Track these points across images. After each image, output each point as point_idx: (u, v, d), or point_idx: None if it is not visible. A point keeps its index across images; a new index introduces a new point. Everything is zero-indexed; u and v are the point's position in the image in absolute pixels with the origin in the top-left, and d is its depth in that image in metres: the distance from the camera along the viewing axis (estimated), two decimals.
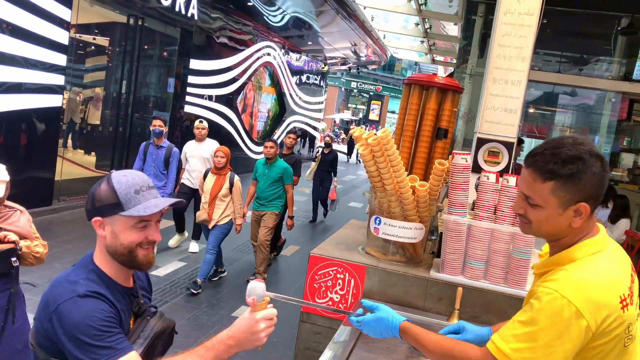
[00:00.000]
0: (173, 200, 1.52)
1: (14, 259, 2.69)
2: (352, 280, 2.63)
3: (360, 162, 19.62)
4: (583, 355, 1.33)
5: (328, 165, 9.62)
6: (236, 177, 5.73)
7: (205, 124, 6.85)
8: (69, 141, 8.93)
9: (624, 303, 1.32)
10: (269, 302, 1.51)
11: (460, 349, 1.45)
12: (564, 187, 1.35)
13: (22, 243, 2.77)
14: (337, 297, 2.66)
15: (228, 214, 5.68)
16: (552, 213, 1.38)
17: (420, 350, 1.58)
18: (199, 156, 6.76)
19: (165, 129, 6.39)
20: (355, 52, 18.23)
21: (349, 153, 23.83)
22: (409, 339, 1.62)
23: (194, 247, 7.00)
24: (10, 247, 2.68)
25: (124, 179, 1.47)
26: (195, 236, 7.02)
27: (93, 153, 10.12)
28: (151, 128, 6.31)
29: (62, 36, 7.51)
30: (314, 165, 9.72)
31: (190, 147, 6.84)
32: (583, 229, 1.41)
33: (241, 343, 1.43)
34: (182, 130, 11.28)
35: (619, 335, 1.32)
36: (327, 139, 9.86)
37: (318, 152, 9.74)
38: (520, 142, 7.04)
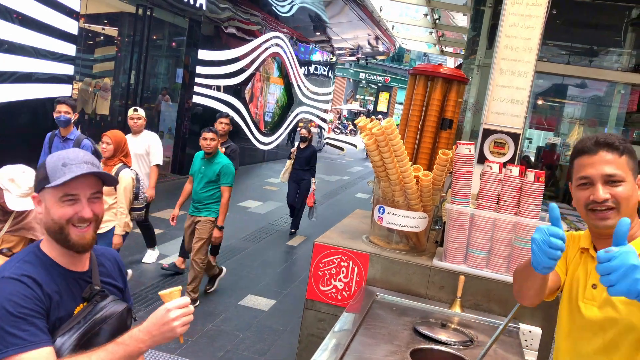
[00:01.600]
0: (95, 169, 1.43)
1: None
2: (356, 268, 2.67)
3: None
4: None
5: (304, 163, 7.80)
6: (127, 172, 4.17)
7: (140, 112, 5.57)
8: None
9: None
10: (180, 290, 1.44)
11: None
12: (632, 160, 1.51)
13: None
14: (340, 285, 2.70)
15: (109, 218, 4.05)
16: (632, 186, 1.49)
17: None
18: (130, 153, 5.23)
19: (73, 116, 5.08)
20: (368, 43, 18.14)
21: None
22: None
23: (149, 256, 5.89)
24: None
25: (56, 156, 1.44)
26: (150, 244, 5.91)
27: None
28: (55, 115, 4.93)
29: (71, 26, 7.56)
30: (288, 163, 7.94)
31: None
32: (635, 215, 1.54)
33: (154, 336, 1.37)
34: (190, 121, 11.33)
35: None
36: (304, 131, 7.82)
37: (294, 147, 7.99)
38: None
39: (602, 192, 1.47)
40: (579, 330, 1.58)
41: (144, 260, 5.82)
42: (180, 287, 1.45)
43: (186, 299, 1.41)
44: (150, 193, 5.42)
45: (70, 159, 1.42)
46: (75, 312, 1.45)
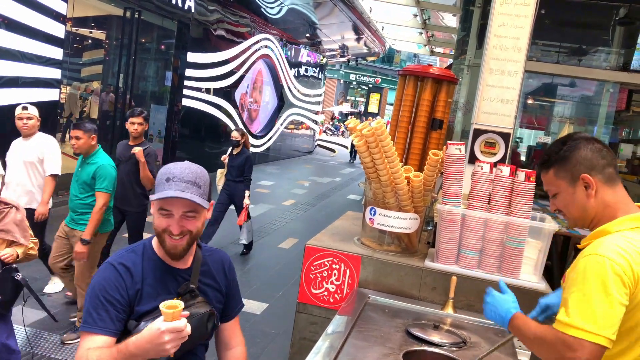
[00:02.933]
0: (189, 193, 1.50)
1: (17, 275, 2.70)
2: (348, 271, 2.65)
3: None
4: (621, 328, 1.41)
5: (237, 173, 6.43)
6: None
7: (32, 111, 4.47)
8: (67, 136, 8.93)
9: None
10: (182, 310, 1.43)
11: (553, 333, 1.47)
12: (562, 168, 1.58)
13: (18, 250, 2.77)
14: (332, 288, 2.67)
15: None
16: (567, 193, 1.58)
17: (522, 341, 1.63)
18: (19, 160, 4.45)
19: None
20: (356, 40, 18.14)
21: (352, 154, 20.34)
22: (513, 329, 1.66)
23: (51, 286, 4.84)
24: (10, 259, 2.69)
25: (165, 168, 1.56)
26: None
27: None
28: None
29: (58, 29, 7.49)
30: (220, 173, 6.70)
31: (12, 146, 4.59)
32: (612, 207, 1.54)
33: (145, 353, 1.42)
34: (181, 123, 11.27)
35: None
36: (235, 134, 6.49)
37: (225, 154, 6.64)
38: None
39: (551, 205, 1.68)
40: None
41: (46, 290, 4.75)
42: (182, 304, 1.43)
43: (182, 323, 1.40)
44: (42, 210, 4.38)
45: (174, 175, 1.53)
46: None
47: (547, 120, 11.35)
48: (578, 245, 1.64)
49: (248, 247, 6.85)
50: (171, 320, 1.39)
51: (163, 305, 1.40)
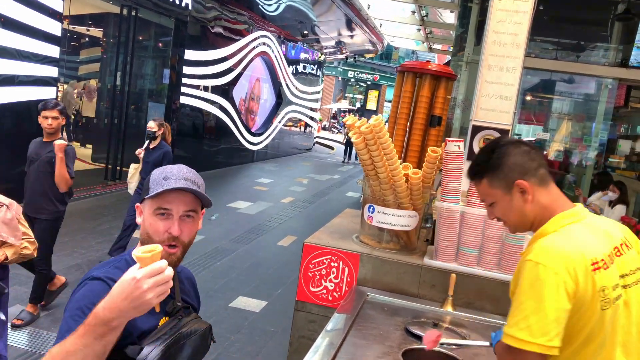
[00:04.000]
0: (194, 187, 1.41)
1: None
2: (346, 269, 2.63)
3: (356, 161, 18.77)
4: (571, 329, 1.40)
5: (152, 169, 4.82)
6: None
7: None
8: (64, 134, 8.90)
9: (596, 266, 1.40)
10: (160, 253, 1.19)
11: (500, 346, 1.47)
12: (493, 176, 1.54)
13: (8, 252, 2.74)
14: (331, 286, 2.66)
15: None
16: (503, 201, 1.55)
17: None
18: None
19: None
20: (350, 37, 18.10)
21: (347, 153, 19.45)
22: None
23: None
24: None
25: (161, 169, 1.48)
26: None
27: (89, 146, 10.10)
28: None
29: (54, 27, 7.45)
30: (134, 169, 5.78)
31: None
32: (549, 207, 1.52)
33: (123, 313, 1.15)
34: (179, 122, 11.24)
35: (594, 295, 1.39)
36: (152, 124, 5.58)
37: (141, 148, 5.70)
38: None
39: (489, 214, 1.64)
40: None
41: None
42: (160, 247, 1.20)
43: (162, 263, 1.16)
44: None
45: (172, 173, 1.44)
46: (159, 325, 1.43)
47: (546, 117, 11.34)
48: (520, 253, 1.65)
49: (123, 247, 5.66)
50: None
51: (137, 251, 1.18)
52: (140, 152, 5.61)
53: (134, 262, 1.34)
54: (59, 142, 4.03)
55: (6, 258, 2.72)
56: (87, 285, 1.36)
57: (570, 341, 1.42)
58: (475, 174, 1.59)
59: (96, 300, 1.23)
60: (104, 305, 1.16)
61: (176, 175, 1.44)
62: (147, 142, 5.61)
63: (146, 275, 1.14)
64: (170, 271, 1.17)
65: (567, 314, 1.37)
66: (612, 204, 6.40)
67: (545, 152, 10.46)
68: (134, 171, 5.75)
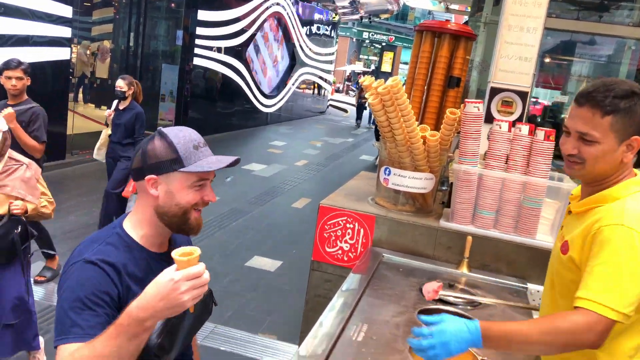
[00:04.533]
0: (233, 158, 1.39)
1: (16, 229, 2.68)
2: (362, 230, 2.65)
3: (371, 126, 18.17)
4: None
5: (124, 134, 5.08)
6: None
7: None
8: (80, 95, 8.91)
9: None
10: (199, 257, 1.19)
11: (564, 320, 1.36)
12: (622, 121, 1.40)
13: (29, 206, 2.79)
14: (346, 247, 2.68)
15: None
16: (609, 149, 1.42)
17: (516, 348, 1.42)
18: None
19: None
20: None
21: (359, 116, 18.54)
22: (494, 341, 1.38)
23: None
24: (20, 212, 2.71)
25: (180, 134, 1.35)
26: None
27: (103, 107, 10.10)
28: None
29: None
30: (104, 134, 5.27)
31: None
32: (625, 169, 1.47)
33: (157, 313, 1.15)
34: (192, 84, 11.19)
35: None
36: (120, 83, 5.05)
37: (110, 109, 5.20)
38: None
39: (571, 147, 1.47)
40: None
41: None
42: (198, 250, 1.18)
43: (200, 267, 1.16)
44: None
45: (196, 141, 1.35)
46: None
47: (564, 80, 11.11)
48: (572, 209, 1.57)
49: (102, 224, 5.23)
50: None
51: (176, 253, 1.15)
52: (110, 114, 5.11)
53: (127, 237, 1.36)
54: (6, 112, 3.57)
55: (26, 211, 2.77)
56: (81, 271, 1.27)
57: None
58: (605, 106, 1.40)
59: (95, 290, 1.24)
60: (138, 305, 1.15)
61: (201, 141, 1.38)
62: (115, 102, 5.13)
63: (184, 278, 1.13)
64: (207, 275, 1.17)
65: None
66: None
67: (563, 116, 10.28)
68: (103, 137, 5.23)
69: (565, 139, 1.50)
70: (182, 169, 1.32)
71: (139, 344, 1.18)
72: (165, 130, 1.37)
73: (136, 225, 1.39)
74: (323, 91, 21.17)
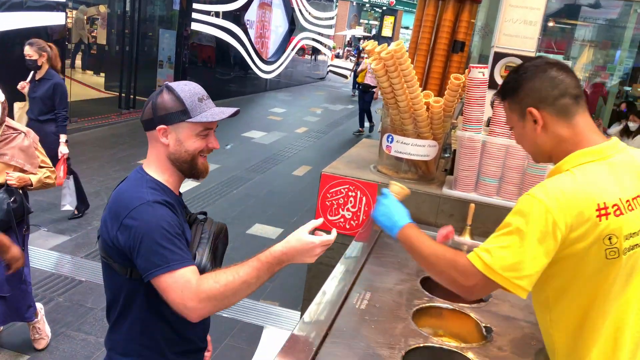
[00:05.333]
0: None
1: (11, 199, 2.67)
2: (364, 198, 2.64)
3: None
4: (561, 264, 1.32)
5: (41, 107, 4.37)
6: None
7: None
8: (77, 62, 8.79)
9: (602, 212, 1.29)
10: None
11: (455, 253, 1.42)
12: (513, 99, 1.44)
13: (33, 178, 2.76)
14: (348, 215, 2.68)
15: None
16: (518, 127, 1.46)
17: (411, 253, 1.57)
18: None
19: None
20: None
21: (355, 86, 16.38)
22: (404, 238, 1.59)
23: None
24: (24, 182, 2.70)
25: (186, 88, 1.48)
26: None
27: (102, 74, 10.01)
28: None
29: None
30: (19, 109, 4.56)
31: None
32: (569, 141, 1.39)
33: (292, 259, 1.46)
34: (190, 50, 11.02)
35: (595, 243, 1.29)
36: (28, 50, 4.26)
37: (24, 81, 4.43)
38: None
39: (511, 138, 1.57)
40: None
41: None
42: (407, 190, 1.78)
43: (333, 237, 1.49)
44: None
45: (200, 94, 1.49)
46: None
47: (568, 44, 10.93)
48: None
49: (80, 209, 4.83)
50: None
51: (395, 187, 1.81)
52: (23, 86, 4.40)
53: (158, 182, 1.50)
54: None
55: (30, 184, 2.75)
56: (154, 209, 1.41)
57: (566, 292, 1.35)
58: (498, 93, 1.51)
59: (173, 223, 1.42)
60: (283, 250, 1.44)
61: (204, 94, 1.50)
62: (31, 73, 4.40)
63: (321, 244, 1.45)
64: (333, 235, 1.50)
65: (547, 258, 1.29)
66: (632, 134, 6.28)
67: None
68: (19, 112, 4.53)
69: None
70: (189, 120, 1.46)
71: (270, 277, 1.45)
72: (172, 84, 1.49)
73: (158, 171, 1.52)
74: (323, 56, 20.88)
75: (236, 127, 9.55)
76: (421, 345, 1.56)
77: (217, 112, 1.48)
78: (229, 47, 12.69)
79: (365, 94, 10.99)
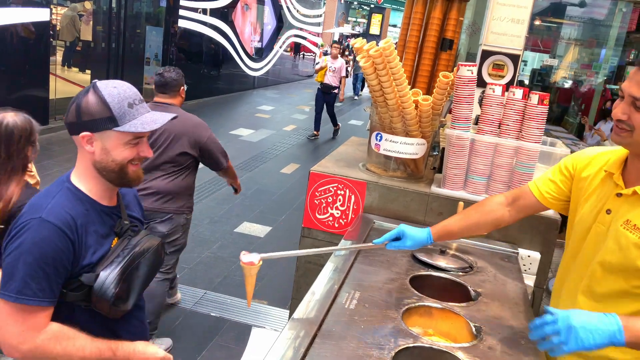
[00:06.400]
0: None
1: None
2: (353, 197, 2.63)
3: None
4: None
5: None
6: None
7: None
8: (62, 59, 8.68)
9: None
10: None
11: None
12: None
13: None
14: (337, 213, 2.67)
15: None
16: None
17: None
18: None
19: None
20: None
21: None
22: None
23: None
24: None
25: (114, 91, 1.34)
26: None
27: (87, 71, 9.87)
28: None
29: None
30: None
31: None
32: None
33: None
34: (178, 47, 10.93)
35: None
36: None
37: None
38: None
39: (621, 112, 1.37)
40: (585, 247, 1.57)
41: None
42: (260, 262, 1.63)
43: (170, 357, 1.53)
44: None
45: (131, 98, 1.36)
46: (111, 247, 1.45)
47: (553, 43, 11.02)
48: (624, 192, 1.47)
49: None
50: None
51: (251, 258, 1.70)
52: None
53: (77, 190, 1.40)
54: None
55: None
56: (38, 230, 1.30)
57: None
58: None
59: (51, 252, 1.29)
60: (127, 349, 1.44)
61: (135, 98, 1.38)
62: None
63: (164, 358, 1.50)
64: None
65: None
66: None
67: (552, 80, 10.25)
68: None
69: (617, 102, 1.41)
70: (116, 129, 1.34)
71: None
72: (100, 84, 1.36)
73: (82, 179, 1.42)
74: (310, 54, 20.83)
75: (223, 125, 9.51)
76: (411, 345, 1.55)
77: (149, 121, 1.36)
78: (217, 44, 12.62)
79: (325, 95, 9.79)
